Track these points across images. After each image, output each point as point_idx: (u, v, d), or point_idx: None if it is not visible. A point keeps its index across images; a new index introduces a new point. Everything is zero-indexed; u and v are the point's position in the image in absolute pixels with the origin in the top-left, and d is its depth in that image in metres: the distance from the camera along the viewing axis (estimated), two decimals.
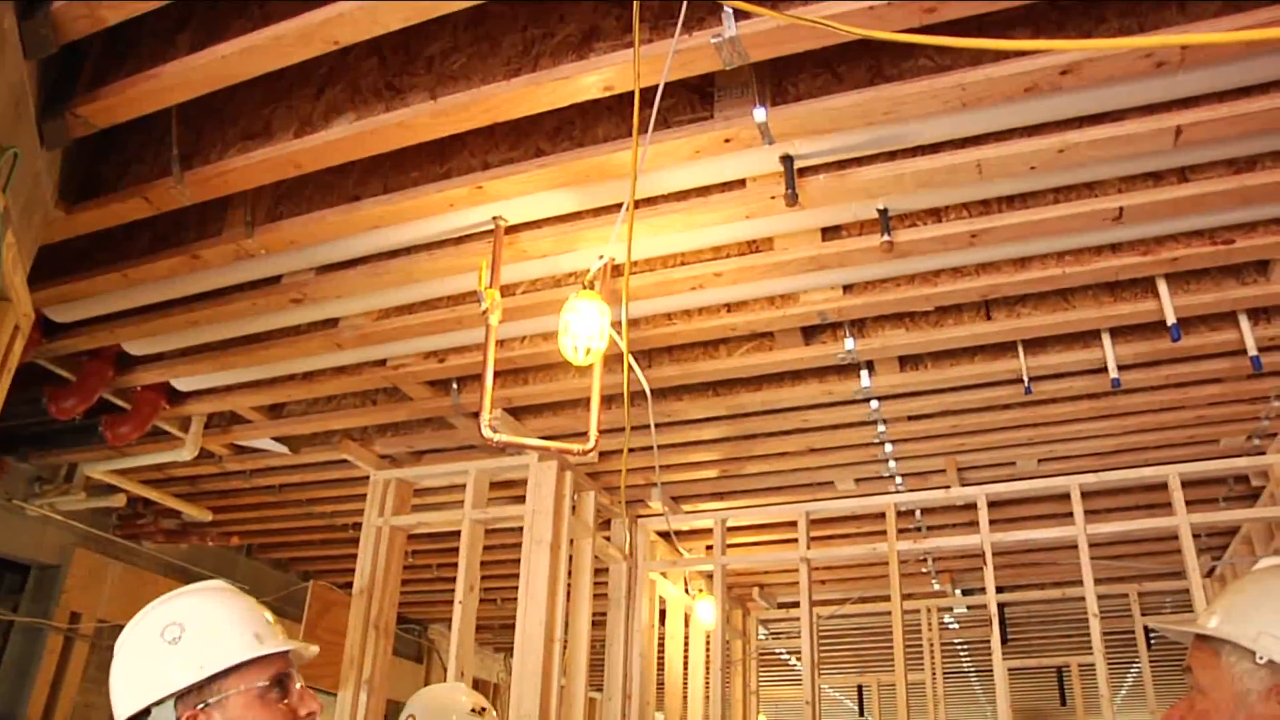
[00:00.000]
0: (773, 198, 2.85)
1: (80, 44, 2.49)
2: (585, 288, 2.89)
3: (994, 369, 3.90)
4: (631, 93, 2.35)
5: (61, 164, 2.96)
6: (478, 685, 3.88)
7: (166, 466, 5.15)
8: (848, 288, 3.44)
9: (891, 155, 2.76)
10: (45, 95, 2.62)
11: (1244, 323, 3.56)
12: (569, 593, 4.52)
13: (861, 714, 10.52)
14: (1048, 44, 2.28)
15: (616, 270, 3.25)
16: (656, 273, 3.35)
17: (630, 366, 3.24)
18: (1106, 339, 3.71)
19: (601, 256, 3.17)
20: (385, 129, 2.63)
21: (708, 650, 6.14)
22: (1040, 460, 4.97)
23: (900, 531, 4.96)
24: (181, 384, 4.32)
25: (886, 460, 4.96)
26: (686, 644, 6.19)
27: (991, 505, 4.81)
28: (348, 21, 2.28)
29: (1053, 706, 10.86)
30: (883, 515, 5.01)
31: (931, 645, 7.38)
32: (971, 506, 4.99)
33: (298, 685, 1.55)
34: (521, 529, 4.30)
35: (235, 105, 2.87)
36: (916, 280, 3.37)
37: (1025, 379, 3.87)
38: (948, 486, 5.07)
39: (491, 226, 3.06)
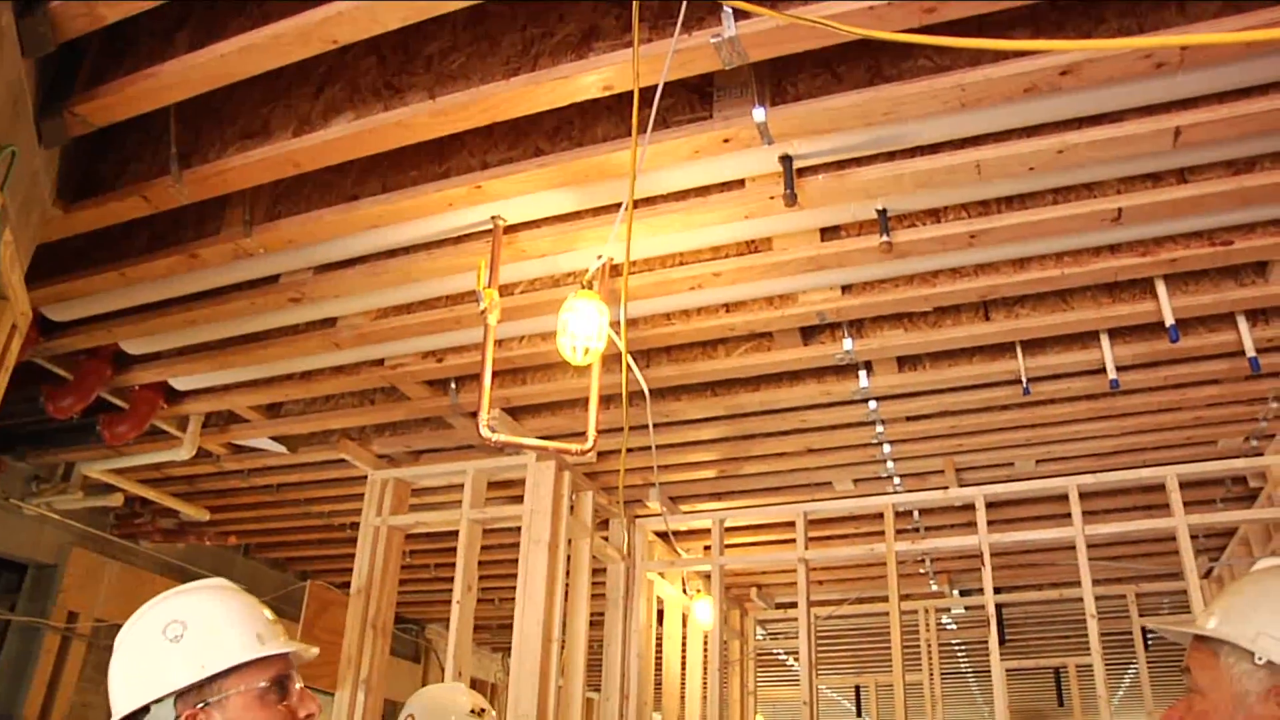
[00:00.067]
0: (772, 198, 2.85)
1: (78, 42, 2.49)
2: (584, 287, 2.89)
3: (992, 370, 3.90)
4: (631, 92, 2.34)
5: (59, 162, 2.95)
6: (475, 685, 3.87)
7: (164, 466, 5.15)
8: (846, 288, 3.44)
9: (890, 156, 2.76)
10: (43, 93, 2.62)
11: (1242, 324, 3.56)
12: (567, 593, 4.52)
13: (859, 715, 10.52)
14: (1047, 44, 2.28)
15: (615, 270, 3.25)
16: (655, 273, 3.35)
17: (629, 366, 3.23)
18: (1105, 340, 3.71)
19: (600, 256, 3.17)
20: (384, 128, 2.62)
21: (705, 650, 6.14)
22: (1038, 461, 4.97)
23: (898, 532, 4.96)
24: (179, 383, 4.31)
25: (884, 461, 4.96)
26: (684, 644, 6.19)
27: (989, 506, 4.82)
28: (346, 20, 2.27)
29: (1050, 707, 10.87)
30: (881, 516, 5.01)
31: (929, 646, 7.39)
32: (969, 507, 4.99)
33: (297, 686, 1.55)
34: (519, 529, 4.30)
35: (234, 104, 2.86)
36: (915, 281, 3.37)
37: (1024, 380, 3.87)
38: (946, 487, 5.07)
39: (490, 226, 3.06)
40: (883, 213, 2.96)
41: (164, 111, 2.75)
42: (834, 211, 3.01)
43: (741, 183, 2.89)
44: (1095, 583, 4.45)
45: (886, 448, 4.79)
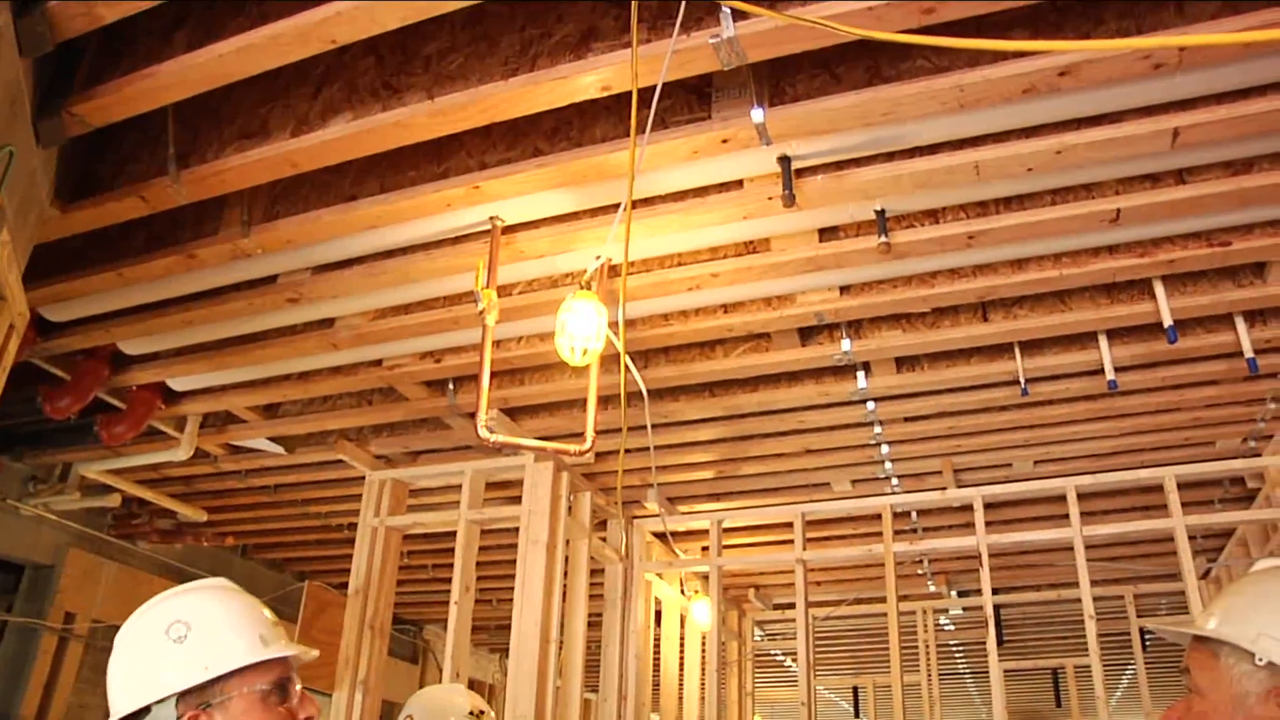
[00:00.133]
0: (770, 198, 2.85)
1: (76, 42, 2.48)
2: (582, 288, 2.89)
3: (991, 370, 3.91)
4: (629, 93, 2.34)
5: (57, 162, 2.95)
6: (473, 686, 3.86)
7: (161, 466, 5.14)
8: (845, 289, 3.44)
9: (889, 156, 2.76)
10: (41, 93, 2.62)
11: (1240, 325, 3.57)
12: (565, 593, 4.51)
13: (857, 716, 10.52)
14: (1046, 45, 2.28)
15: (614, 271, 3.25)
16: (653, 273, 3.35)
17: (627, 367, 3.23)
18: (1103, 341, 3.71)
19: (599, 257, 3.17)
20: (382, 129, 2.62)
21: (703, 651, 6.13)
22: (1036, 462, 4.98)
23: (896, 533, 4.95)
24: (177, 384, 4.31)
25: (883, 461, 4.96)
26: (682, 645, 6.18)
27: (988, 507, 4.81)
28: (345, 20, 2.27)
29: (1048, 708, 10.87)
30: (879, 516, 5.00)
31: (927, 647, 7.39)
32: (968, 508, 4.98)
33: (297, 688, 1.55)
34: (517, 530, 4.29)
35: (232, 104, 2.86)
36: (914, 281, 3.37)
37: (1022, 380, 3.87)
38: (944, 488, 5.07)
39: (488, 226, 3.06)
40: (881, 213, 2.96)
41: (162, 112, 2.75)
42: (832, 212, 3.01)
43: (740, 183, 2.89)
44: (1093, 583, 4.45)
45: (885, 448, 4.79)
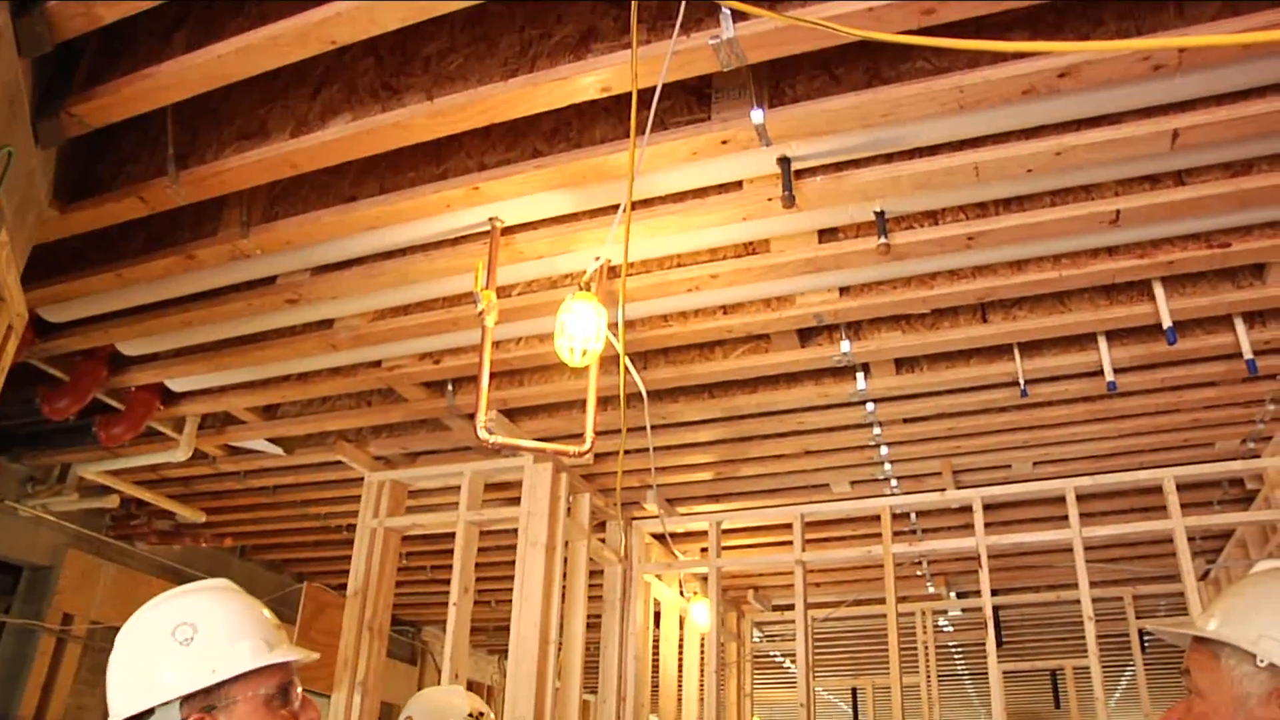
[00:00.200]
0: (770, 199, 2.85)
1: (76, 42, 2.48)
2: (582, 289, 2.89)
3: (990, 372, 3.91)
4: (629, 94, 2.34)
5: (56, 163, 2.94)
6: (472, 687, 3.87)
7: (160, 467, 5.14)
8: (844, 290, 3.44)
9: (889, 157, 2.76)
10: (40, 94, 2.61)
11: (1239, 326, 3.57)
12: (564, 595, 4.51)
13: (856, 717, 10.51)
14: (1045, 46, 2.27)
15: (613, 272, 3.25)
16: (653, 274, 3.35)
17: (626, 368, 3.23)
18: (1102, 342, 3.71)
19: (598, 258, 3.16)
20: (382, 129, 2.62)
21: (702, 653, 6.13)
22: (1036, 463, 4.98)
23: (895, 534, 4.95)
24: (176, 385, 4.30)
25: (882, 463, 4.96)
26: (681, 646, 6.18)
27: (987, 508, 4.81)
28: (345, 21, 2.27)
29: (1047, 710, 10.87)
30: (878, 518, 5.00)
31: (926, 648, 7.39)
32: (967, 509, 4.98)
33: (298, 691, 1.54)
34: (516, 531, 4.29)
35: (231, 105, 2.86)
36: (913, 283, 3.37)
37: (1021, 382, 3.87)
38: (943, 489, 5.07)
39: (488, 227, 3.05)
40: (880, 214, 2.96)
41: (161, 112, 2.74)
42: (832, 213, 3.01)
43: (739, 184, 2.89)
44: (1092, 585, 4.45)
45: (884, 449, 4.79)
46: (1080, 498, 4.57)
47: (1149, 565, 6.07)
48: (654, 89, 2.34)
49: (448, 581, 4.38)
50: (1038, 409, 4.29)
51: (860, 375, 4.03)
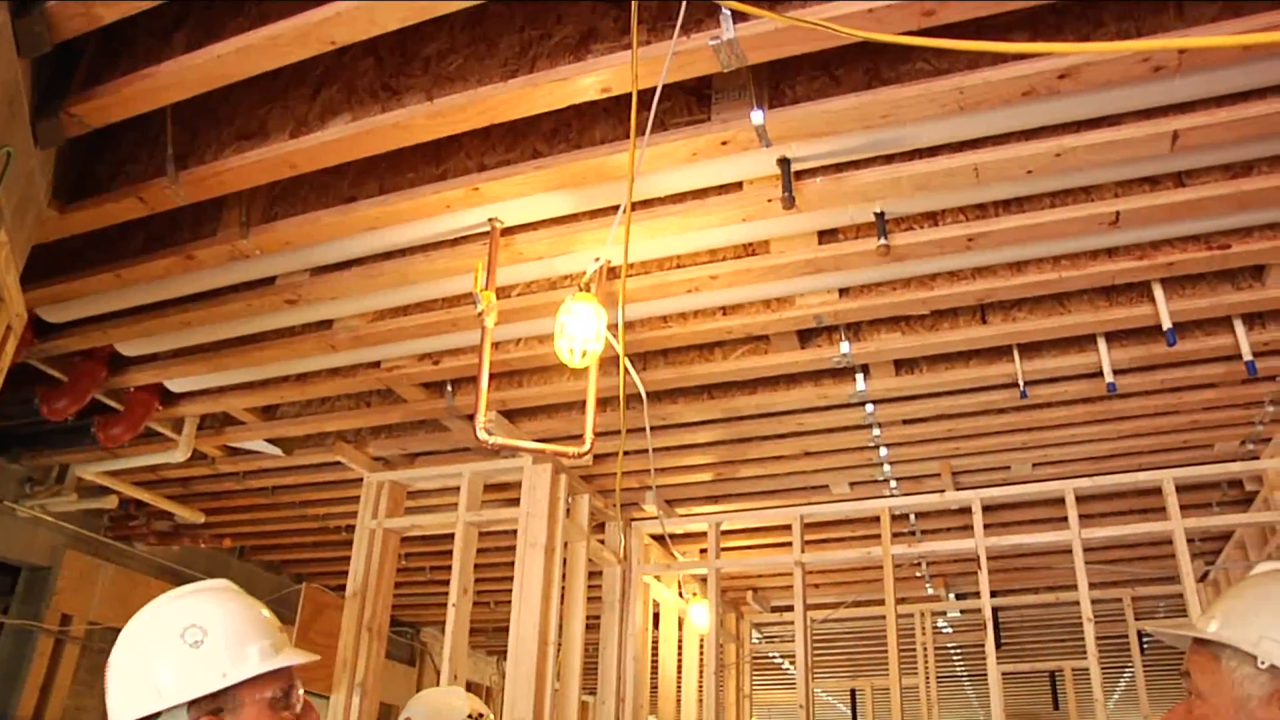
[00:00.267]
0: (769, 200, 2.84)
1: (75, 42, 2.48)
2: (581, 290, 2.89)
3: (989, 373, 3.90)
4: (629, 95, 2.34)
5: (55, 163, 2.94)
6: (471, 688, 3.86)
7: (159, 468, 5.13)
8: (844, 291, 3.44)
9: (889, 158, 2.76)
10: (39, 94, 2.61)
11: (1239, 327, 3.57)
12: (563, 596, 4.51)
13: (854, 718, 10.51)
14: (1046, 47, 2.27)
15: (613, 273, 3.25)
16: (652, 275, 3.35)
17: (626, 369, 3.23)
18: (1102, 343, 3.71)
19: (598, 259, 3.16)
20: (381, 130, 2.62)
21: (701, 654, 6.13)
22: (1035, 464, 4.98)
23: (895, 535, 4.95)
24: (175, 385, 4.30)
25: (881, 464, 4.96)
26: (680, 647, 6.18)
27: (986, 509, 4.81)
28: (345, 21, 2.27)
29: (1046, 711, 10.87)
30: (877, 519, 5.00)
31: (925, 649, 7.40)
32: (966, 511, 4.98)
33: (300, 693, 1.54)
34: (515, 532, 4.29)
35: (231, 105, 2.86)
36: (912, 284, 3.37)
37: (1021, 383, 3.87)
38: (942, 490, 5.07)
39: (487, 228, 3.05)
40: (880, 215, 2.96)
41: (161, 112, 2.74)
42: (832, 214, 3.00)
43: (739, 185, 2.89)
44: (1091, 586, 4.45)
45: (883, 451, 4.79)
46: (1079, 499, 4.57)
47: (1148, 567, 6.07)
48: (654, 90, 2.34)
49: (447, 582, 4.37)
50: (1037, 410, 4.29)
51: (860, 376, 4.03)
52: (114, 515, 6.01)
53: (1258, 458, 4.62)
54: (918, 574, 6.81)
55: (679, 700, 6.17)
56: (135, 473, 5.23)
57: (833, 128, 2.58)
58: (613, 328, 2.94)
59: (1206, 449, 4.72)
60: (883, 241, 2.95)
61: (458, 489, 4.55)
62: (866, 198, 2.88)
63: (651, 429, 4.10)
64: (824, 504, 5.31)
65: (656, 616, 5.86)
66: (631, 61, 2.27)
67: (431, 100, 2.54)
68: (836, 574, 6.81)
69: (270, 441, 4.94)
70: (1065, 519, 4.54)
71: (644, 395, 3.81)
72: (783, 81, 2.58)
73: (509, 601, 4.17)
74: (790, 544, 5.09)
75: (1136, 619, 6.68)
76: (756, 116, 2.53)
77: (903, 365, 4.00)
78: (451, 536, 4.45)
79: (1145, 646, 6.79)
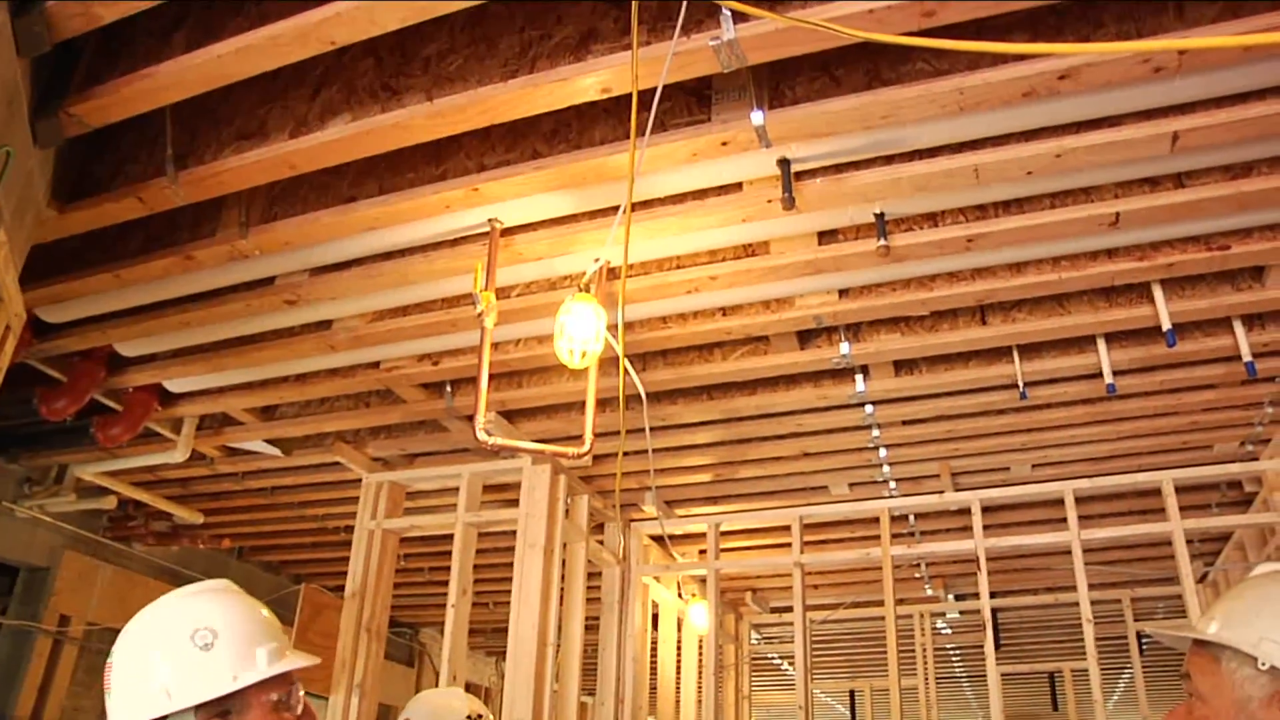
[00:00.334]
0: (769, 201, 2.84)
1: (74, 42, 2.48)
2: (581, 290, 2.89)
3: (989, 374, 3.90)
4: (629, 95, 2.34)
5: (55, 163, 2.94)
6: (470, 689, 3.85)
7: (157, 468, 5.13)
8: (843, 292, 3.44)
9: (889, 159, 2.76)
10: (39, 93, 2.61)
11: (1239, 328, 3.57)
12: (562, 597, 4.50)
13: (853, 719, 10.51)
14: (1046, 48, 2.28)
15: (612, 273, 3.25)
16: (652, 276, 3.35)
17: (625, 370, 3.23)
18: (1102, 344, 3.71)
19: (597, 259, 3.16)
20: (381, 130, 2.62)
21: (700, 654, 6.13)
22: (1034, 465, 4.97)
23: (894, 536, 4.95)
24: (173, 385, 4.29)
25: (880, 465, 4.96)
26: (679, 648, 6.18)
27: (985, 510, 4.81)
28: (345, 21, 2.27)
29: (1045, 712, 10.87)
30: (876, 520, 5.00)
31: (924, 650, 7.40)
32: (965, 512, 4.98)
33: (300, 694, 1.54)
34: (514, 532, 4.28)
35: (230, 105, 2.85)
36: (912, 285, 3.37)
37: (1020, 384, 3.87)
38: (942, 491, 5.07)
39: (487, 229, 3.05)
40: (880, 216, 2.96)
41: (160, 112, 2.74)
42: (831, 215, 3.00)
43: (739, 186, 2.89)
44: (1090, 587, 4.45)
45: (882, 452, 4.79)
46: (1079, 500, 4.57)
47: (1147, 568, 6.07)
48: (654, 90, 2.33)
49: (446, 583, 4.37)
50: (1037, 411, 4.29)
51: (859, 377, 4.03)
52: (113, 516, 6.01)
53: (1257, 459, 4.62)
54: (917, 575, 6.81)
55: (678, 701, 6.17)
56: (134, 473, 5.23)
57: (833, 128, 2.58)
58: (612, 328, 2.94)
59: (1206, 450, 4.72)
60: (882, 242, 2.95)
61: (457, 490, 4.55)
62: (866, 198, 2.88)
63: (651, 430, 4.10)
64: (823, 505, 5.31)
65: (656, 617, 5.86)
66: (632, 62, 2.27)
67: (431, 100, 2.54)
68: (836, 575, 6.80)
69: (269, 442, 4.94)
70: (1064, 520, 4.54)
71: (644, 396, 3.81)
72: (783, 82, 2.58)
73: (508, 602, 4.17)
74: (789, 545, 5.09)
75: (1136, 620, 6.68)
76: (757, 117, 2.53)
77: (902, 366, 4.00)
78: (450, 537, 4.45)
79: (1144, 647, 6.79)
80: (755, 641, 8.31)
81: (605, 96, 2.50)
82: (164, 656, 1.46)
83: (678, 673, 6.20)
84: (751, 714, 7.48)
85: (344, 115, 2.65)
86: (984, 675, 4.64)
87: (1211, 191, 2.79)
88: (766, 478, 5.21)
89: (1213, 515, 5.07)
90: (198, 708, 1.42)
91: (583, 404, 3.18)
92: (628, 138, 2.46)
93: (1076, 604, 4.46)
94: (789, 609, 5.86)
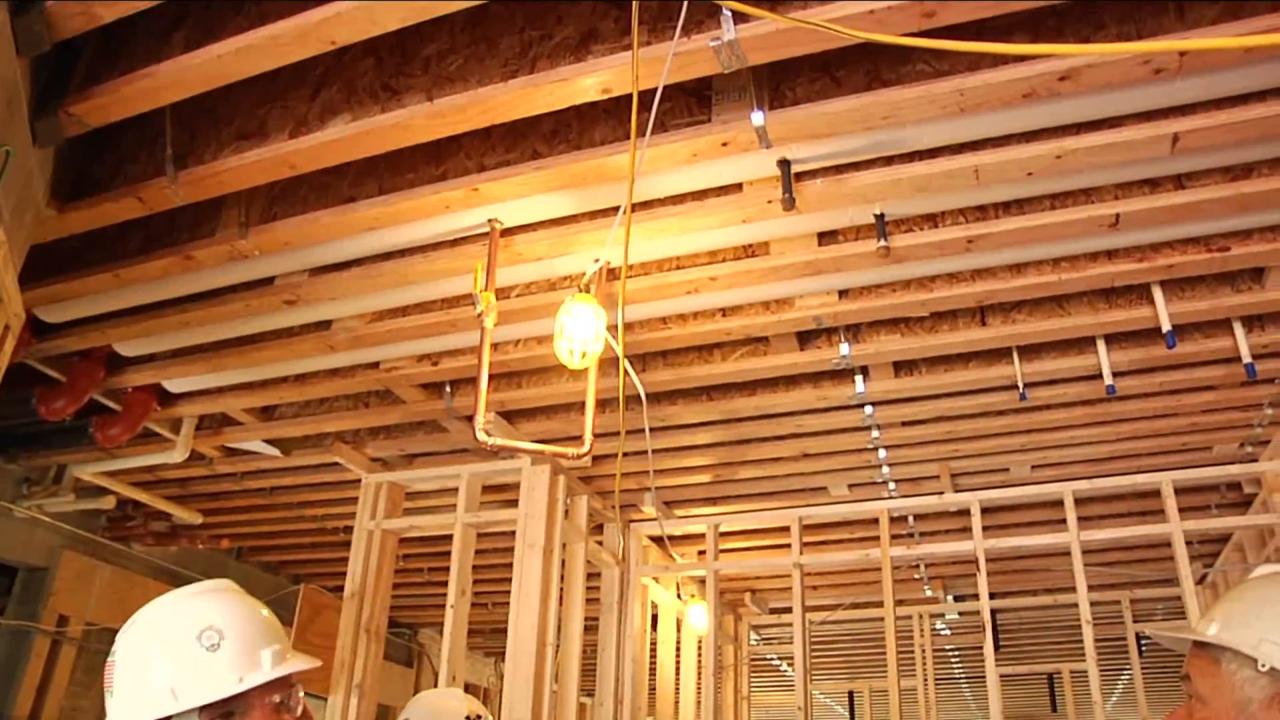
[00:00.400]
0: (769, 202, 2.84)
1: (74, 42, 2.48)
2: (581, 291, 2.88)
3: (989, 375, 3.90)
4: (629, 95, 2.34)
5: (54, 163, 2.94)
6: (469, 690, 3.85)
7: (157, 468, 5.12)
8: (843, 293, 3.44)
9: (889, 160, 2.76)
10: (38, 93, 2.61)
11: (1239, 330, 3.57)
12: (561, 597, 4.50)
13: None
14: (1046, 49, 2.27)
15: (612, 274, 3.25)
16: (652, 276, 3.35)
17: (625, 370, 3.23)
18: (1101, 345, 3.71)
19: (597, 260, 3.16)
20: (381, 130, 2.62)
21: (700, 655, 6.13)
22: (1034, 466, 4.97)
23: (893, 537, 4.95)
24: (173, 385, 4.29)
25: (880, 466, 4.96)
26: (678, 649, 6.17)
27: (985, 511, 4.80)
28: (345, 21, 2.27)
29: (1044, 713, 10.87)
30: (876, 521, 5.00)
31: (924, 651, 7.40)
32: (965, 513, 4.97)
33: (300, 695, 1.54)
34: (514, 533, 4.28)
35: (230, 105, 2.85)
36: (912, 286, 3.37)
37: (1020, 385, 3.87)
38: (941, 492, 5.06)
39: (487, 229, 3.05)
40: (880, 217, 2.96)
41: (160, 112, 2.74)
42: (831, 216, 3.00)
43: (739, 187, 2.89)
44: (1090, 588, 4.44)
45: (882, 453, 4.79)
46: (1078, 501, 4.57)
47: (1147, 569, 6.07)
48: (654, 91, 2.33)
49: (445, 584, 4.36)
50: (1036, 412, 4.29)
51: (859, 378, 4.03)
52: (111, 516, 6.00)
53: (1256, 460, 4.62)
54: (916, 576, 6.80)
55: (677, 702, 6.16)
56: (133, 473, 5.23)
57: (833, 129, 2.58)
58: (612, 329, 2.94)
59: (1205, 451, 4.72)
60: (883, 243, 2.95)
61: (456, 490, 4.54)
62: (866, 199, 2.88)
63: (650, 430, 4.10)
64: (823, 506, 5.31)
65: (655, 618, 5.86)
66: (632, 62, 2.27)
67: (431, 100, 2.53)
68: (835, 576, 6.80)
69: (268, 442, 4.93)
70: (1064, 521, 4.54)
71: (643, 396, 3.81)
72: (783, 83, 2.57)
73: (507, 603, 4.16)
74: (789, 546, 5.08)
75: (1135, 621, 6.68)
76: (757, 118, 2.53)
77: (902, 367, 4.00)
78: (450, 538, 4.45)
79: (1144, 649, 6.79)
80: (754, 642, 8.31)
81: (605, 97, 2.50)
82: (169, 656, 1.45)
83: (677, 673, 6.20)
84: (750, 715, 7.48)
85: (344, 115, 2.65)
86: (983, 676, 4.64)
87: (1211, 193, 2.79)
88: (766, 478, 5.21)
89: (1212, 517, 5.07)
90: (202, 709, 1.42)
91: (582, 404, 3.18)
92: (628, 138, 2.46)
93: (1076, 605, 4.46)
94: (788, 610, 5.86)
